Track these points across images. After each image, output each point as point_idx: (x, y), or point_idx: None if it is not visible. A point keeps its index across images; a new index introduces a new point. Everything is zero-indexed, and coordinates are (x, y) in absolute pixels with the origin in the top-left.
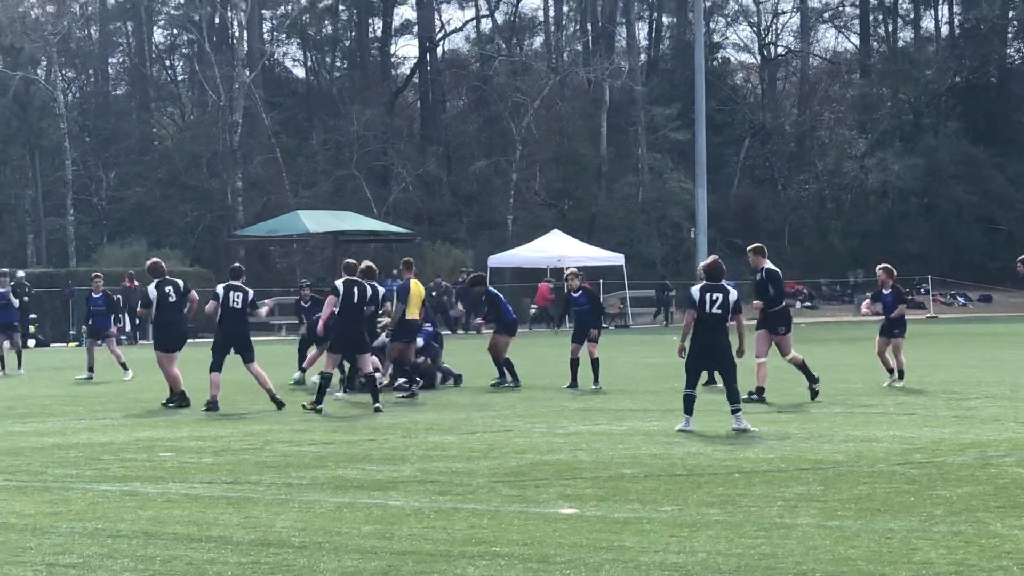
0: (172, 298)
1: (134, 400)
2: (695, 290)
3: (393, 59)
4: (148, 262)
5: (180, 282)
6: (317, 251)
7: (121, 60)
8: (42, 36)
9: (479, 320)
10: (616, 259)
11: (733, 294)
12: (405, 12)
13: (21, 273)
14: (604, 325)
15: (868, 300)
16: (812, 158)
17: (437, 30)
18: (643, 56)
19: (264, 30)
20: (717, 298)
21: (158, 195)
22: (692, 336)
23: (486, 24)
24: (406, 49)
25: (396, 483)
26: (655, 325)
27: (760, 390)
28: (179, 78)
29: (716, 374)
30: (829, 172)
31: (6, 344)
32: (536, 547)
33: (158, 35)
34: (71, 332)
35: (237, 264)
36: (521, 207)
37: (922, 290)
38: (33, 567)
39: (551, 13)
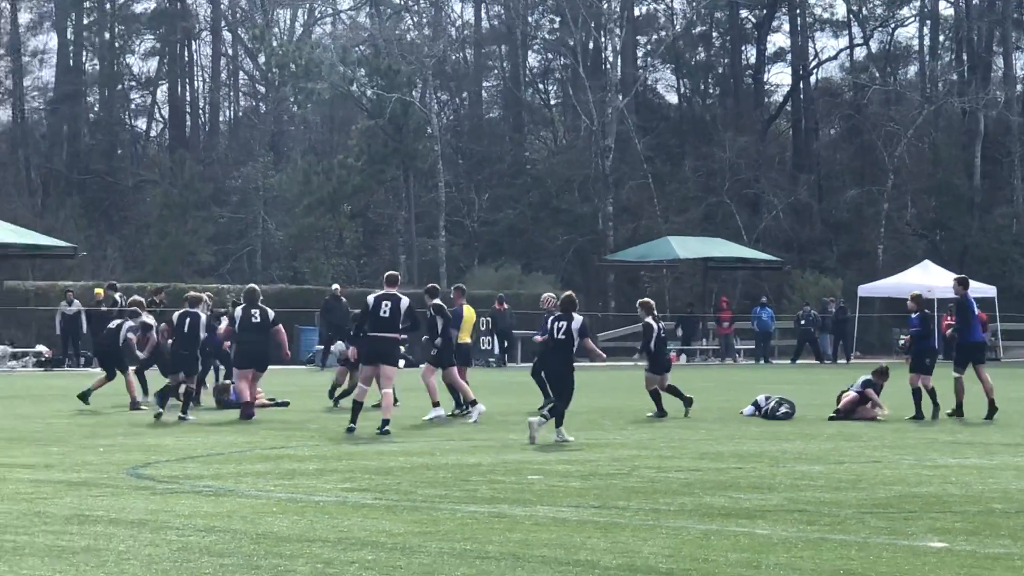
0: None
1: (502, 422)
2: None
3: (766, 87)
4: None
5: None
6: (686, 277)
7: (495, 83)
8: (418, 59)
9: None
10: (988, 291)
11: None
12: (779, 40)
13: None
14: None
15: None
16: None
17: (811, 58)
18: (1020, 86)
19: (638, 56)
20: (562, 326)
21: (529, 218)
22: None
23: (860, 52)
24: (779, 77)
25: (763, 512)
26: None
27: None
28: (552, 102)
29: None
30: None
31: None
32: None
33: (532, 59)
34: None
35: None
36: (892, 237)
37: None
38: None
39: (926, 42)
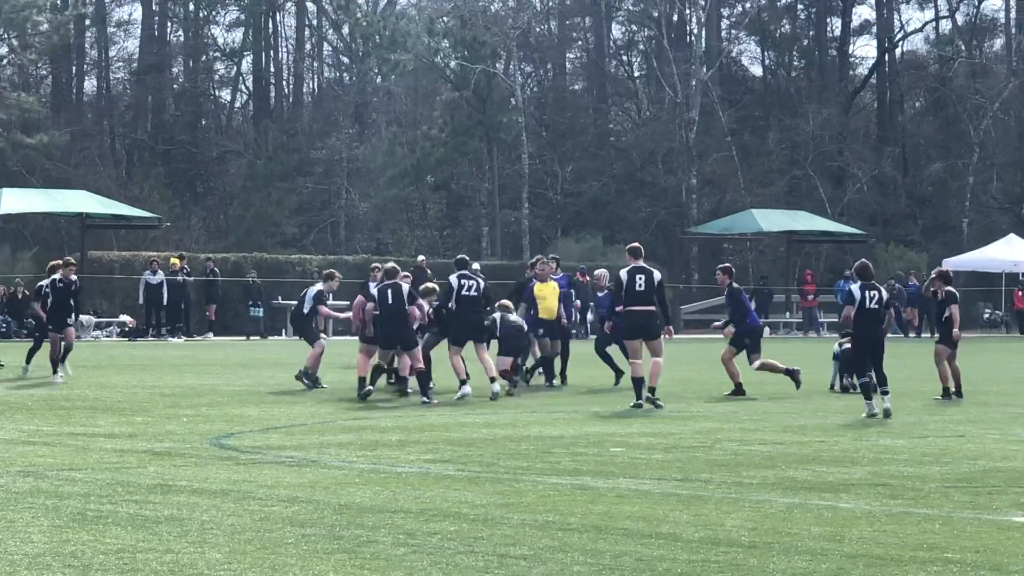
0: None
1: (584, 395)
2: (855, 288)
3: (851, 59)
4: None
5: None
6: (770, 250)
7: (579, 55)
8: (503, 30)
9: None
10: None
11: (885, 292)
12: (864, 12)
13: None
14: None
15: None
16: None
17: (896, 31)
18: None
19: (722, 27)
20: (873, 295)
21: (612, 190)
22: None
23: (946, 25)
24: (864, 49)
25: (847, 485)
26: None
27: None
28: (636, 74)
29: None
30: None
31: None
32: (989, 555)
33: (616, 31)
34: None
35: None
36: (977, 210)
37: None
38: (484, 557)
39: (1012, 15)
